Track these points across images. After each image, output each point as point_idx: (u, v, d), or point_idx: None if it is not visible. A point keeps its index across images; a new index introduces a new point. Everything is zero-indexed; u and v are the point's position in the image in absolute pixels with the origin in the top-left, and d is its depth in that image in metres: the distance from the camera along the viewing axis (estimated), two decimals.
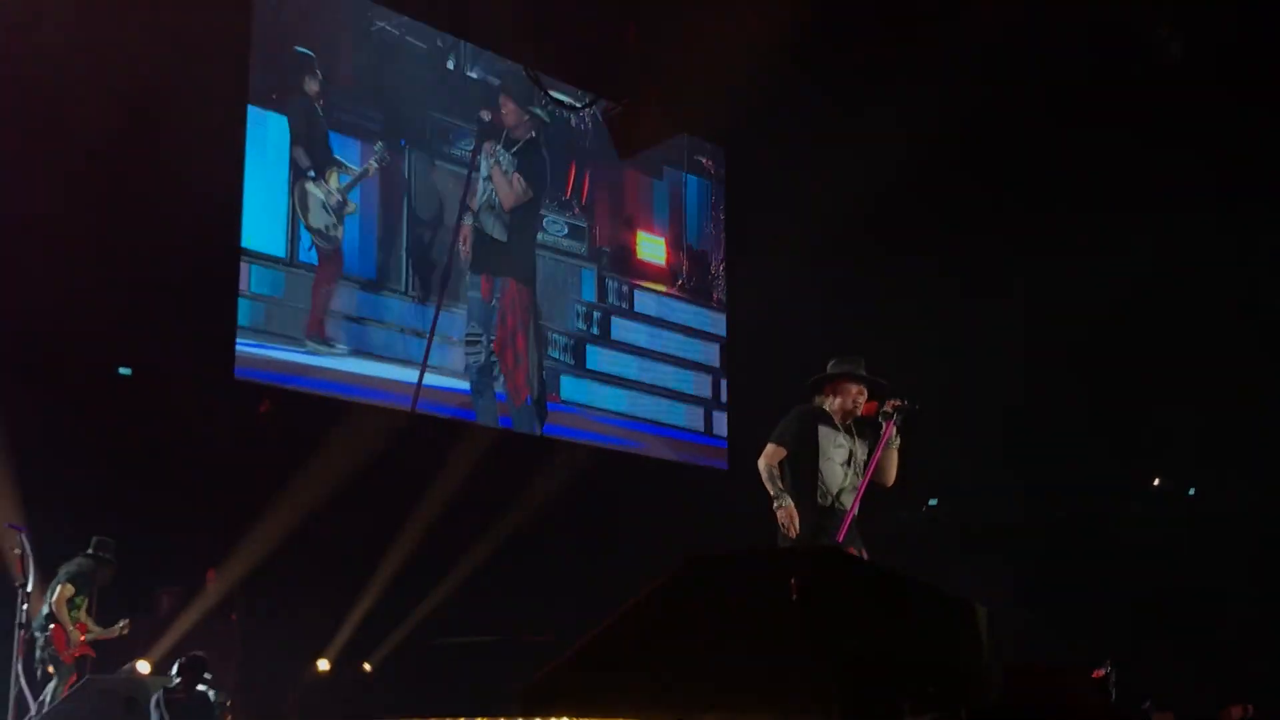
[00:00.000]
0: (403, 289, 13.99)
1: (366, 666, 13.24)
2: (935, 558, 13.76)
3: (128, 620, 11.48)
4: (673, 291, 16.81)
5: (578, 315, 15.60)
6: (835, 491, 7.74)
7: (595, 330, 15.69)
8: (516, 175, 15.06)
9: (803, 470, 7.76)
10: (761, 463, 7.76)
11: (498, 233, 14.86)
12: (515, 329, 14.85)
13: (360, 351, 13.53)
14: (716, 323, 17.21)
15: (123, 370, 12.76)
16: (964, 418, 15.98)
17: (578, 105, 14.46)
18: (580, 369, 15.43)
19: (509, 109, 15.15)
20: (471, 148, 14.72)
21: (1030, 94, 14.86)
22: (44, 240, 11.43)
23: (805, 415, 7.92)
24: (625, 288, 16.25)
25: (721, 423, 16.99)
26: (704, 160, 17.43)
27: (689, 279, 17.07)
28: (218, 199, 12.59)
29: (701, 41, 12.81)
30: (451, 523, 13.38)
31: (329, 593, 13.02)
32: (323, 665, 12.82)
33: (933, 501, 18.34)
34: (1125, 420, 15.96)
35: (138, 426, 11.93)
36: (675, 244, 17.07)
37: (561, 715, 3.84)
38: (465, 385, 14.40)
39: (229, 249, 12.73)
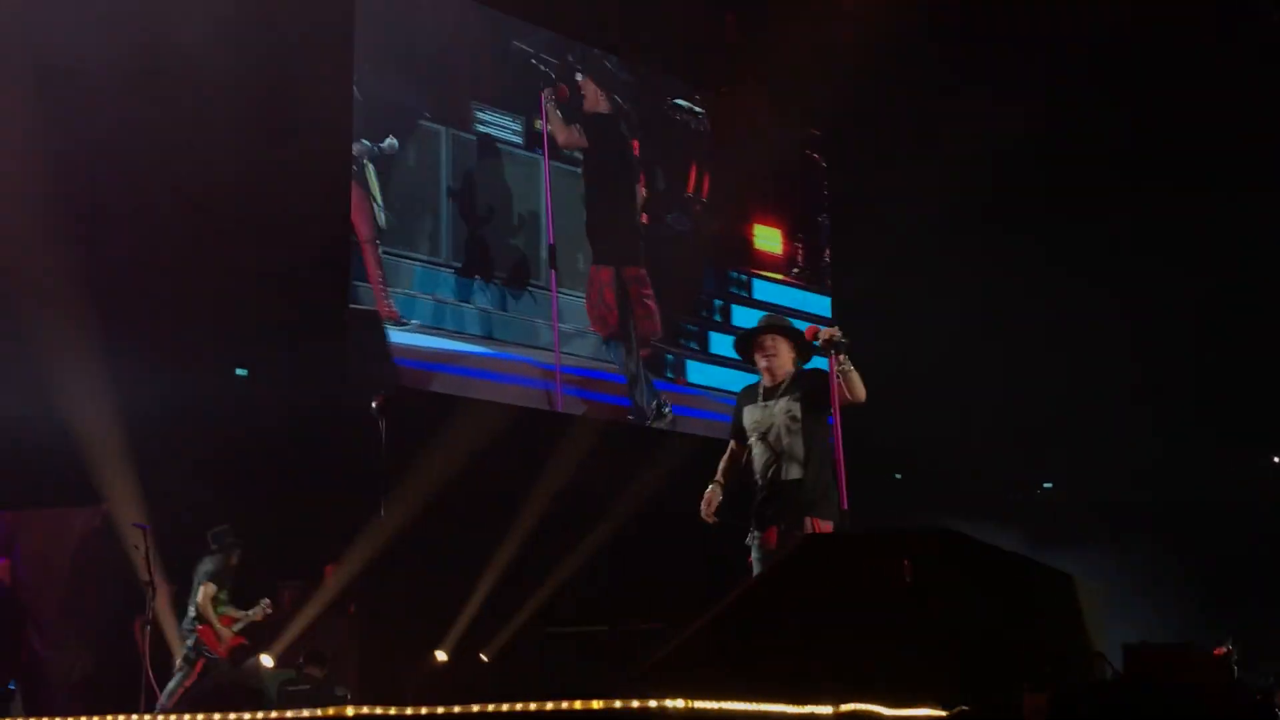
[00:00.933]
0: (497, 277, 14.12)
1: (483, 657, 13.36)
2: (1051, 539, 13.63)
3: (268, 600, 11.77)
4: (789, 279, 16.90)
5: (700, 304, 15.84)
6: (760, 468, 7.19)
7: (718, 318, 15.86)
8: (576, 127, 15.10)
9: (747, 458, 7.38)
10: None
11: (598, 220, 15.07)
12: (632, 313, 15.03)
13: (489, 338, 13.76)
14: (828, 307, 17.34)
15: (240, 370, 13.00)
16: (1075, 401, 15.85)
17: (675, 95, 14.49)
18: (705, 354, 15.71)
19: (589, 89, 15.25)
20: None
21: (1137, 76, 14.67)
22: (162, 244, 11.66)
23: (738, 401, 7.56)
24: (744, 277, 16.43)
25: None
26: (810, 153, 17.47)
27: (804, 266, 17.16)
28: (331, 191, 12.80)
29: (801, 27, 12.79)
30: (566, 511, 13.47)
31: (445, 585, 13.14)
32: (440, 656, 12.96)
33: (1047, 485, 18.21)
34: (1240, 400, 15.72)
35: (255, 425, 12.12)
36: (789, 233, 17.15)
37: (676, 697, 3.88)
38: (589, 369, 14.61)
39: (341, 242, 12.91)
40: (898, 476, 18.26)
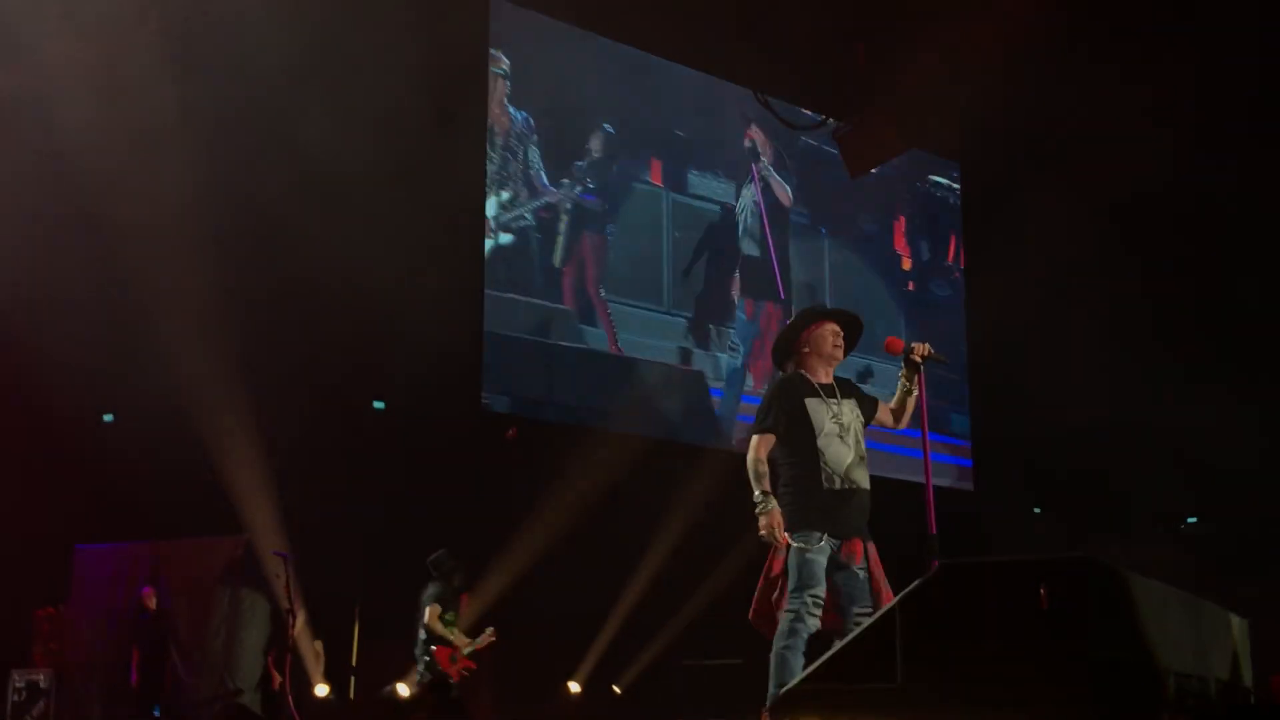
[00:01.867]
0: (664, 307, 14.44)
1: (616, 689, 13.40)
2: (1195, 572, 13.33)
3: (492, 628, 11.77)
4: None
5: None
6: (843, 470, 6.65)
7: None
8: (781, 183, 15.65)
9: (801, 454, 6.68)
10: (750, 457, 6.72)
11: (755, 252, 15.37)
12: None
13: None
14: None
15: (377, 404, 13.22)
16: (1216, 433, 15.51)
17: (806, 125, 14.55)
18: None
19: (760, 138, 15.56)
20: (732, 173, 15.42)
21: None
22: (297, 282, 11.91)
23: (787, 389, 6.82)
24: None
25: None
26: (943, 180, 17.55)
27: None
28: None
29: (931, 57, 12.72)
30: (696, 542, 13.48)
31: (579, 615, 13.22)
32: (574, 688, 13.03)
33: (1192, 519, 17.84)
34: None
35: (392, 456, 12.31)
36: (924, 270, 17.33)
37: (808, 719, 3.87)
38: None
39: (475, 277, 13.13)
40: (1037, 510, 18.01)
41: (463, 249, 13.11)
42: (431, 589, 11.55)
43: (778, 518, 6.53)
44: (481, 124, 13.37)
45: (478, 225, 13.21)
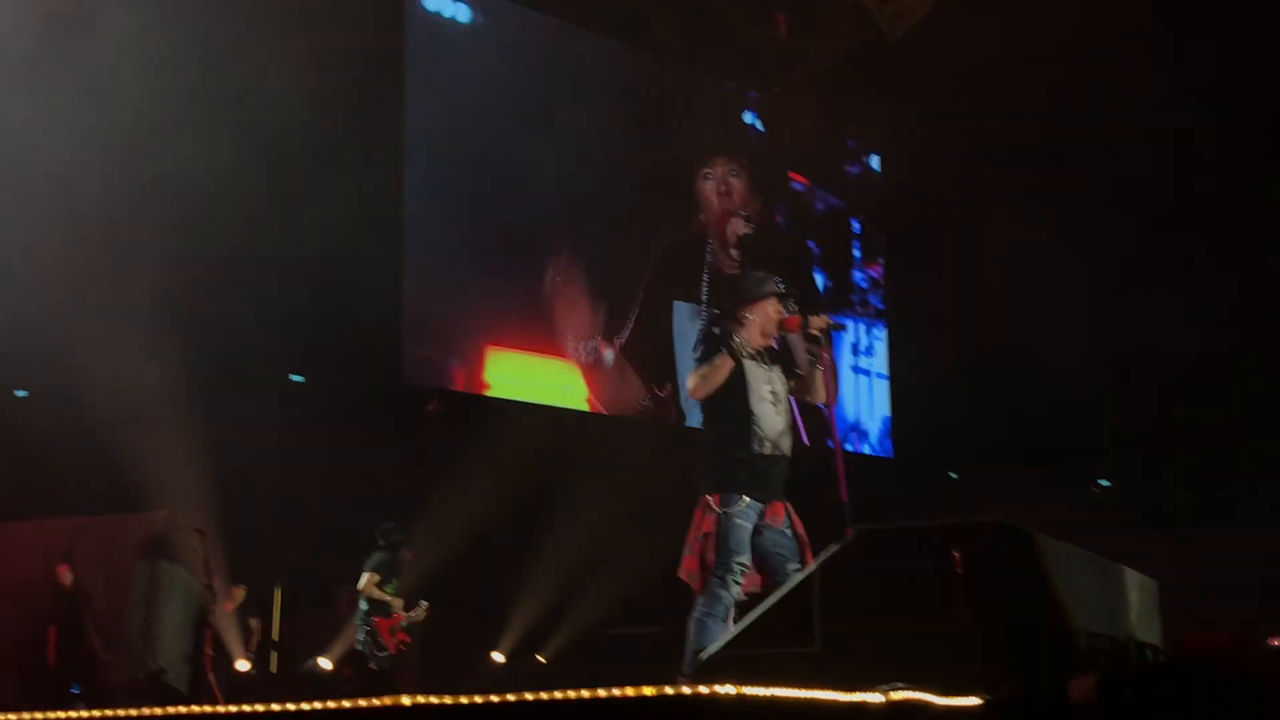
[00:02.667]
0: None
1: (540, 658, 13.44)
2: (1105, 535, 13.53)
3: (426, 603, 11.73)
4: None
5: None
6: (774, 436, 6.68)
7: None
8: None
9: (734, 415, 6.67)
10: (691, 381, 6.75)
11: None
12: None
13: None
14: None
15: (295, 377, 13.13)
16: (1126, 395, 15.80)
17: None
18: None
19: None
20: None
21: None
22: (216, 255, 11.80)
23: (729, 346, 6.76)
24: None
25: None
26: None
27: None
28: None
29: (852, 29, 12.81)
30: (620, 512, 13.52)
31: (502, 588, 13.24)
32: (497, 658, 13.05)
33: (1104, 481, 18.11)
34: None
35: (312, 430, 12.23)
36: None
37: (727, 684, 3.91)
38: None
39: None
40: (954, 475, 18.21)
41: (384, 223, 13.05)
42: (374, 557, 11.53)
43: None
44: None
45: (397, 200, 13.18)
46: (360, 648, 11.37)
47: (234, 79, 11.93)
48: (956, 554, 5.17)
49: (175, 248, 11.52)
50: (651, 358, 14.70)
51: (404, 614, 11.48)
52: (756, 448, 6.64)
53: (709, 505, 6.59)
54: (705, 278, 15.24)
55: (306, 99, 11.80)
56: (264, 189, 11.83)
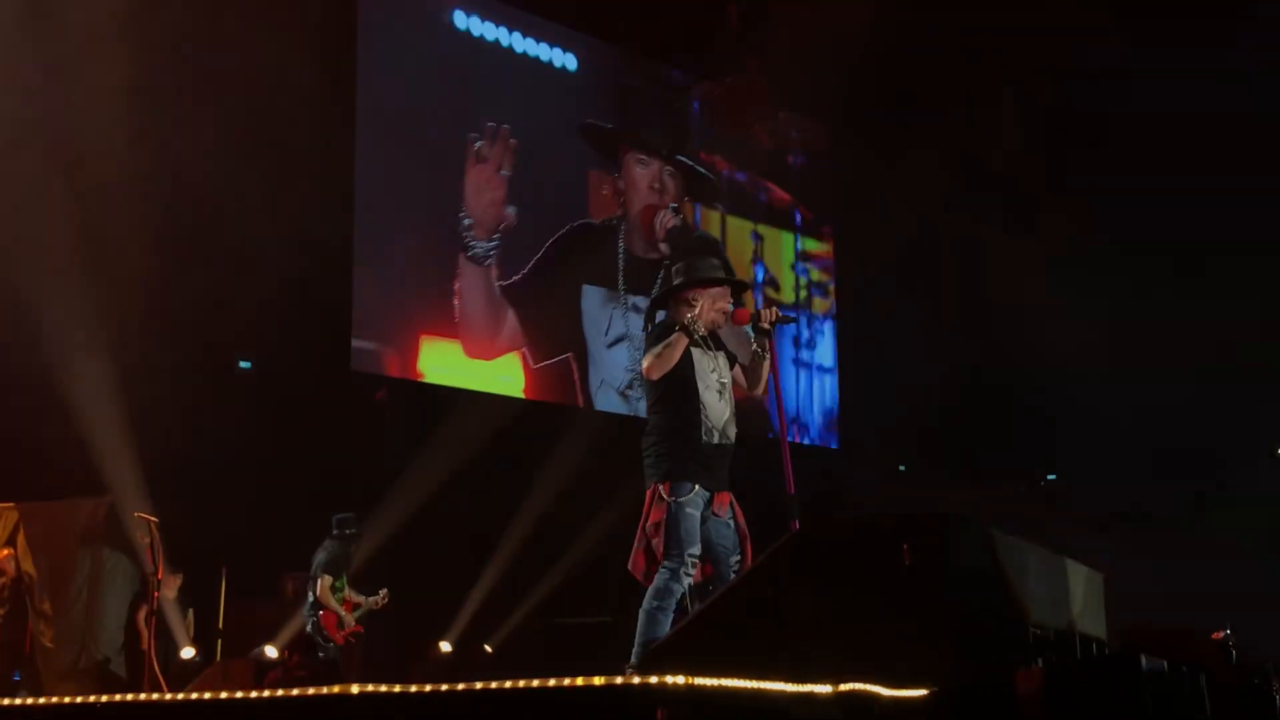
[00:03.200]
0: None
1: (487, 648, 13.42)
2: (1053, 529, 13.65)
3: (385, 590, 11.80)
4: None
5: None
6: (721, 424, 6.61)
7: None
8: None
9: (681, 403, 6.60)
10: (648, 360, 6.60)
11: None
12: None
13: None
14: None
15: (243, 363, 13.06)
16: (1083, 391, 15.92)
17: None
18: None
19: None
20: None
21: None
22: (166, 241, 11.72)
23: (672, 326, 6.68)
24: None
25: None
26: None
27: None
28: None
29: (801, 17, 12.83)
30: (566, 504, 13.53)
31: (449, 576, 13.21)
32: (445, 647, 13.02)
33: (1051, 475, 18.26)
34: (1243, 393, 15.76)
35: (259, 417, 12.16)
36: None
37: (677, 675, 3.91)
38: None
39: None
40: (902, 468, 18.32)
41: (333, 209, 13.01)
42: (324, 554, 11.53)
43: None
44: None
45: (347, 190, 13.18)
46: (308, 631, 11.43)
47: (193, 64, 11.88)
48: (905, 546, 5.18)
49: (120, 233, 11.42)
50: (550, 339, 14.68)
51: (363, 599, 11.60)
52: (705, 437, 6.58)
53: (659, 494, 6.51)
54: (621, 263, 15.26)
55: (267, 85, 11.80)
56: (220, 176, 11.77)
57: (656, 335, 6.72)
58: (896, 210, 15.74)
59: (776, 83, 14.44)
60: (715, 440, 6.62)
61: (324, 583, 11.43)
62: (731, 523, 6.63)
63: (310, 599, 11.47)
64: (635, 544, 6.58)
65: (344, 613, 11.49)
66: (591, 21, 14.91)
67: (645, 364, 6.63)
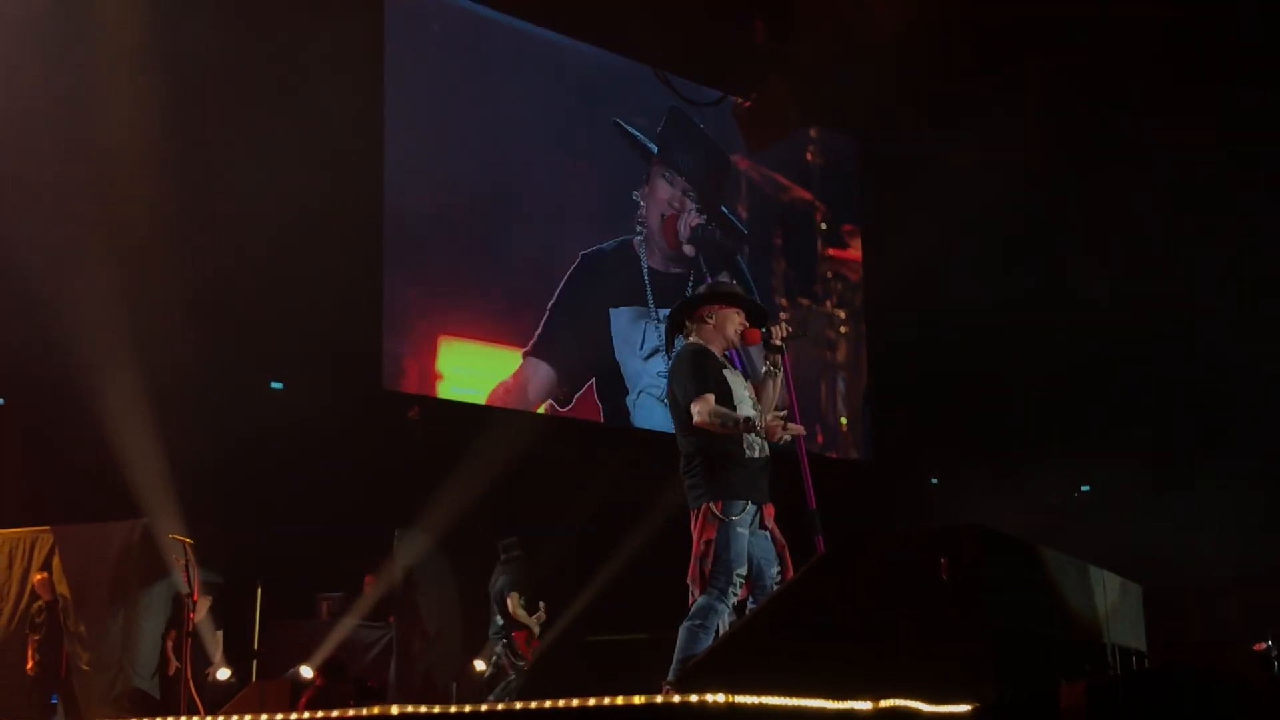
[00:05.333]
0: None
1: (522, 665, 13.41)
2: (1089, 540, 13.59)
3: (543, 604, 12.12)
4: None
5: None
6: (759, 441, 6.64)
7: None
8: None
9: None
10: (704, 415, 6.50)
11: None
12: None
13: None
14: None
15: (275, 384, 13.09)
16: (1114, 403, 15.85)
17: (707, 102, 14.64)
18: None
19: None
20: None
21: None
22: (201, 262, 11.78)
23: (702, 358, 6.73)
24: None
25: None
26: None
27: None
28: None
29: (829, 33, 12.82)
30: (601, 521, 13.52)
31: (483, 594, 13.21)
32: (479, 666, 13.01)
33: (1085, 487, 18.16)
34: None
35: (292, 438, 12.20)
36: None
37: (717, 693, 3.90)
38: None
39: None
40: (934, 481, 18.25)
41: (363, 230, 13.09)
42: (505, 576, 11.89)
43: (777, 431, 6.55)
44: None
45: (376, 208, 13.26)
46: (499, 660, 11.82)
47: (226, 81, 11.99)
48: (943, 560, 5.16)
49: (155, 255, 11.51)
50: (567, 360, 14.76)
51: (533, 623, 11.99)
52: (748, 452, 6.60)
53: (711, 512, 6.50)
54: (646, 278, 15.33)
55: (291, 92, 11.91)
56: (243, 196, 11.85)
57: (693, 368, 6.70)
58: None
59: (803, 97, 14.41)
60: (756, 454, 6.63)
61: (513, 600, 11.81)
62: (769, 535, 6.63)
63: (499, 622, 11.84)
64: (693, 557, 6.55)
65: (534, 627, 11.82)
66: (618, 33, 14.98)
67: (700, 416, 6.55)
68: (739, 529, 6.45)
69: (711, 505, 6.52)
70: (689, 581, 6.56)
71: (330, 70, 12.48)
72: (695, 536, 6.55)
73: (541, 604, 12.12)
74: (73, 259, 11.03)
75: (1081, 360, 16.09)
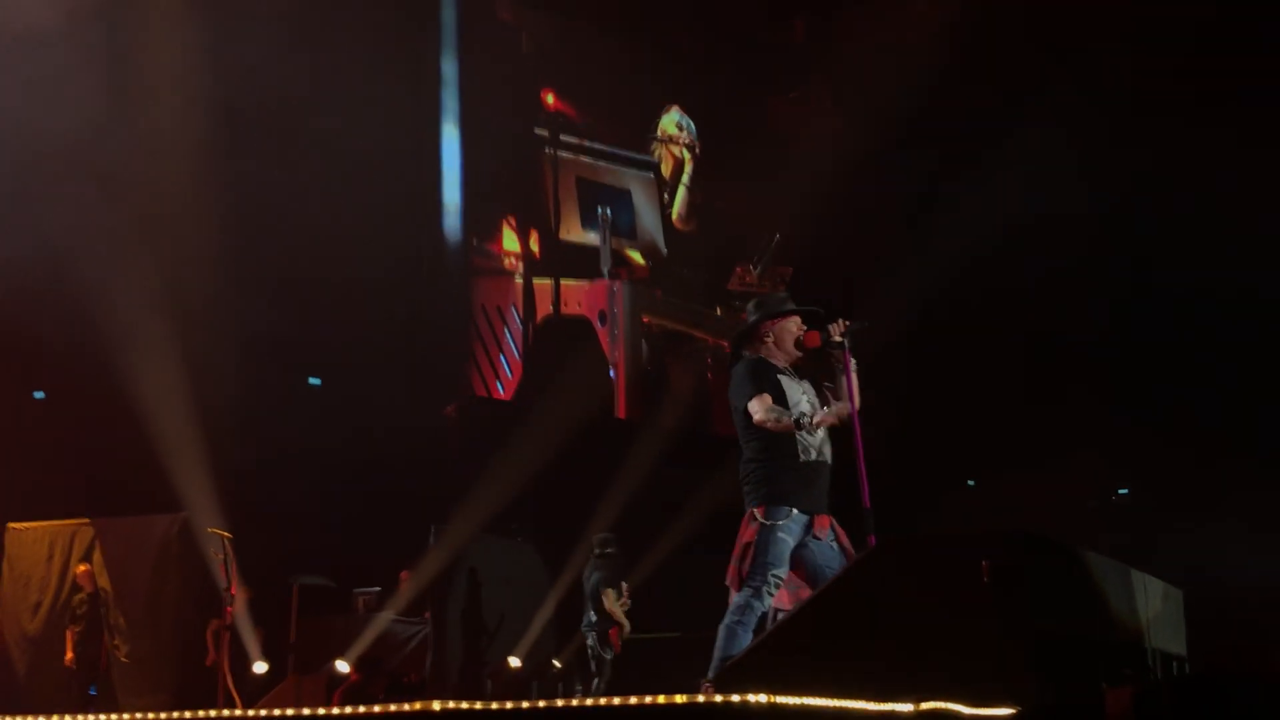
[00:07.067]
0: None
1: (556, 663, 13.41)
2: (1129, 544, 13.53)
3: (625, 584, 12.06)
4: None
5: None
6: (816, 444, 6.67)
7: None
8: None
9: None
10: (761, 413, 6.58)
11: None
12: None
13: None
14: None
15: (313, 380, 13.15)
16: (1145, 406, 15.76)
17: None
18: None
19: None
20: None
21: None
22: (241, 261, 11.84)
23: (759, 368, 6.80)
24: None
25: None
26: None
27: None
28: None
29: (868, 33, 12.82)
30: (639, 516, 13.52)
31: (519, 590, 13.22)
32: (514, 662, 13.02)
33: (1123, 490, 18.04)
34: None
35: (330, 434, 12.24)
36: None
37: (759, 693, 3.90)
38: None
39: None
40: (971, 483, 18.16)
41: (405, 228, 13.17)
42: (599, 572, 11.90)
43: (838, 410, 6.59)
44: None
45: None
46: (595, 651, 11.86)
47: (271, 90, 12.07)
48: (984, 564, 5.14)
49: (196, 253, 11.58)
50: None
51: (627, 622, 11.98)
52: (803, 456, 6.62)
53: (754, 516, 6.55)
54: None
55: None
56: (296, 199, 11.93)
57: (749, 374, 6.76)
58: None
59: (842, 97, 14.42)
60: (813, 458, 6.64)
61: (609, 598, 11.82)
62: (835, 544, 6.59)
63: (592, 617, 11.87)
64: (732, 560, 6.58)
65: (626, 624, 11.89)
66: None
67: (759, 414, 6.61)
68: (780, 534, 6.46)
69: (755, 509, 6.56)
70: (727, 583, 6.58)
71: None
72: (738, 539, 6.57)
73: (624, 585, 12.10)
74: (113, 256, 11.10)
75: (1122, 361, 16.00)
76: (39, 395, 12.58)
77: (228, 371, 11.71)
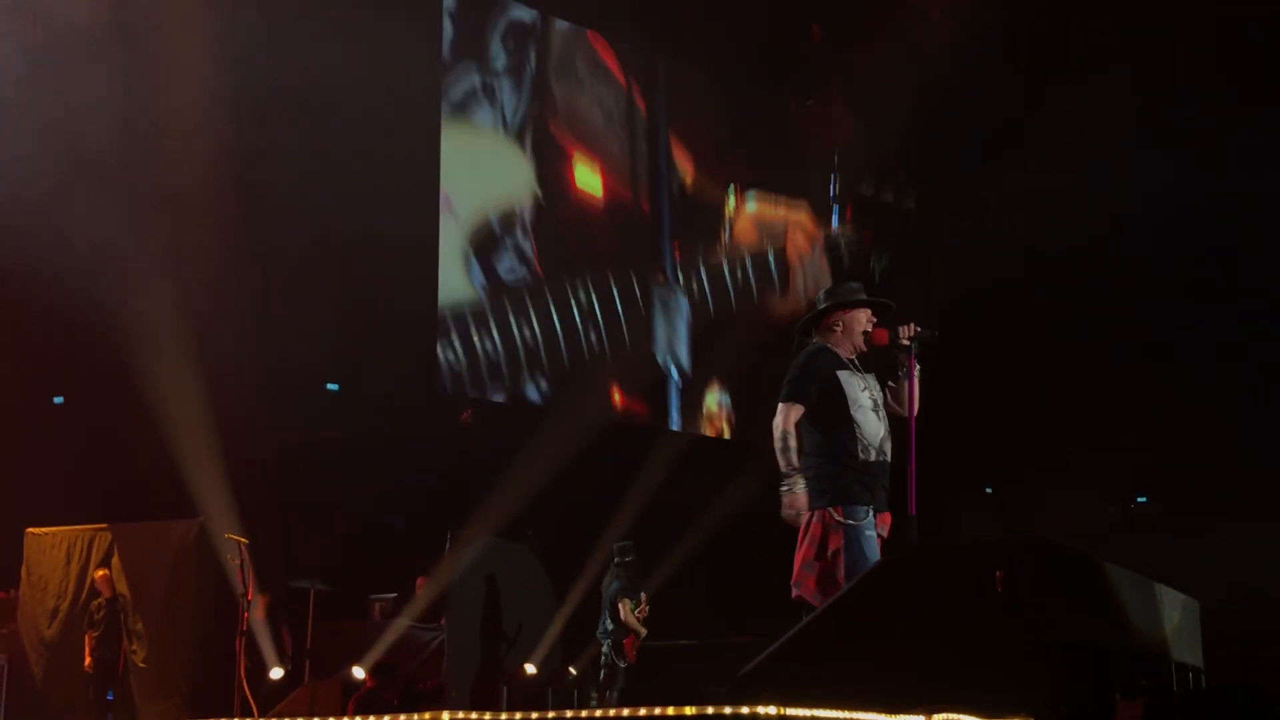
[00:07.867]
0: None
1: (572, 670, 13.40)
2: (1145, 554, 13.46)
3: (644, 594, 12.18)
4: None
5: None
6: (877, 442, 6.50)
7: None
8: None
9: (834, 425, 6.49)
10: (778, 426, 6.47)
11: None
12: None
13: None
14: None
15: (331, 386, 13.17)
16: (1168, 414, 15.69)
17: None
18: None
19: None
20: None
21: None
22: (258, 265, 11.87)
23: (817, 361, 6.64)
24: None
25: None
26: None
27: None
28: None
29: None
30: (653, 525, 13.50)
31: (535, 597, 13.22)
32: (529, 669, 13.01)
33: (1141, 499, 17.96)
34: None
35: (345, 439, 12.26)
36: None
37: (769, 704, 3.88)
38: None
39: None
40: (989, 490, 18.10)
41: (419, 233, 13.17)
42: (617, 581, 12.01)
43: (802, 501, 6.39)
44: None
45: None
46: (606, 660, 12.01)
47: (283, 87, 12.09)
48: (999, 573, 5.12)
49: (212, 256, 11.60)
50: None
51: (641, 627, 12.07)
52: (863, 455, 6.47)
53: (831, 519, 6.35)
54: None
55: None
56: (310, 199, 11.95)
57: (803, 370, 6.64)
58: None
59: (859, 102, 14.38)
60: (873, 457, 6.50)
61: (625, 607, 11.93)
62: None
63: (609, 625, 11.99)
64: (801, 566, 6.39)
65: (642, 631, 11.98)
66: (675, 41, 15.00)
67: (776, 423, 6.51)
68: (867, 531, 6.30)
69: (831, 511, 6.38)
70: (797, 593, 6.37)
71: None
72: (807, 540, 6.39)
73: (643, 595, 12.16)
74: (132, 260, 11.13)
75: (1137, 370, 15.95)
76: (58, 400, 12.61)
77: (245, 378, 11.73)
